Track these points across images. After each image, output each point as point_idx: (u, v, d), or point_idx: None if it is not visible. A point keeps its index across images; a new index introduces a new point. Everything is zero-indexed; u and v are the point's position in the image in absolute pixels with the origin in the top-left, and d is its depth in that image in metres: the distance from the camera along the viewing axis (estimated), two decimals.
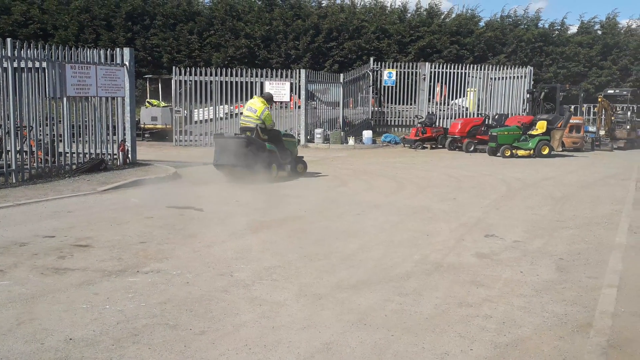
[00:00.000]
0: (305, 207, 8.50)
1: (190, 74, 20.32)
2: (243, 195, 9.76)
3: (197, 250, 6.01)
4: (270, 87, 20.53)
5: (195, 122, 21.11)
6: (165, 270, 5.28)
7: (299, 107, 20.98)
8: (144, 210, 8.24)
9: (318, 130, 21.07)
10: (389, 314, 4.28)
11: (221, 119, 21.41)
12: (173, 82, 20.45)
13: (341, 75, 22.88)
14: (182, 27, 30.43)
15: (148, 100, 26.19)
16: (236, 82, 20.55)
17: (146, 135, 22.87)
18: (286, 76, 20.55)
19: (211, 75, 20.39)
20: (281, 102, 21.07)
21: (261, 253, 5.98)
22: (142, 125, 23.12)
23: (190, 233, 6.82)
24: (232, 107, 21.49)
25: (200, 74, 20.32)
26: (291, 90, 20.93)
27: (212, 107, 21.05)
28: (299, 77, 20.58)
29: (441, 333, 3.96)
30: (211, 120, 21.20)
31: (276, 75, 20.59)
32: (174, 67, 20.68)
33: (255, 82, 20.54)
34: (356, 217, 7.86)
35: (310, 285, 4.94)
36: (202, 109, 21.28)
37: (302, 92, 20.59)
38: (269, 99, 11.53)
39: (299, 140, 19.10)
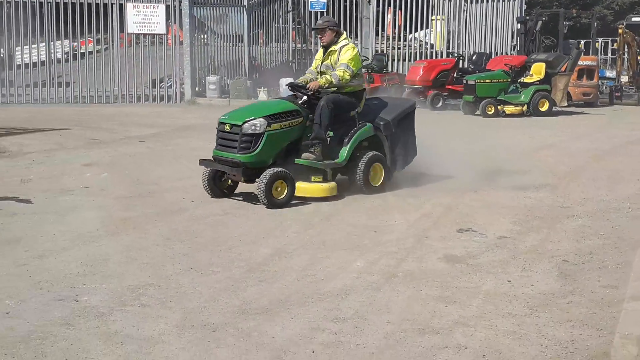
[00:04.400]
0: (193, 195, 8.43)
1: None
2: (97, 178, 9.54)
3: (23, 264, 5.84)
4: (136, 11, 20.10)
5: (19, 66, 20.41)
6: None
7: (181, 42, 20.68)
8: None
9: (211, 79, 20.89)
10: (319, 349, 4.31)
11: (59, 61, 20.81)
12: None
13: None
14: None
15: None
16: (81, 4, 19.97)
17: None
18: None
19: None
20: (153, 36, 20.68)
21: (124, 265, 5.88)
22: None
23: (12, 237, 6.62)
24: (76, 44, 20.94)
25: None
26: (168, 18, 20.59)
27: (44, 45, 20.37)
28: None
29: None
30: (43, 63, 20.55)
31: None
32: None
33: (111, 3, 20.05)
34: (271, 206, 7.89)
35: (200, 311, 4.89)
36: (28, 47, 20.56)
37: (186, 21, 20.30)
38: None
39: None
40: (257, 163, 7.99)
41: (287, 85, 9.19)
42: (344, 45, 8.71)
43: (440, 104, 19.64)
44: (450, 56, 22.48)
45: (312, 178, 8.22)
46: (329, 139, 8.49)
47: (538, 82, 18.22)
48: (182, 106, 19.66)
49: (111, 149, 12.12)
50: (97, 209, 7.80)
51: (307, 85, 8.54)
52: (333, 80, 8.46)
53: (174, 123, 15.88)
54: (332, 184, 8.35)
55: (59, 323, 4.62)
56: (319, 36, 9.03)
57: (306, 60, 25.27)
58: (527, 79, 18.37)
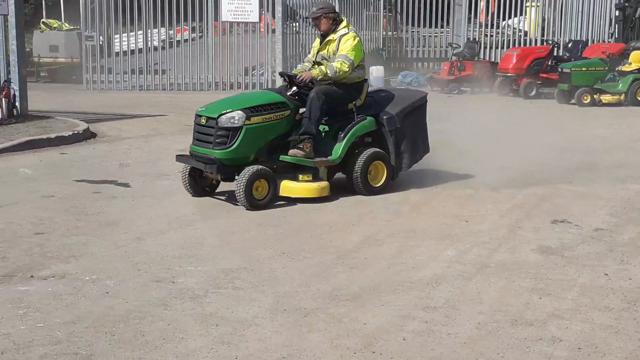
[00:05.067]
0: None
1: None
2: None
3: (122, 246, 6.02)
4: (230, 0, 20.33)
5: (117, 53, 20.95)
6: (74, 275, 5.26)
7: (274, 31, 20.83)
8: (41, 185, 8.21)
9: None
10: (410, 337, 4.31)
11: (155, 49, 21.25)
12: None
13: None
14: None
15: (44, 20, 25.90)
16: None
17: (42, 74, 22.70)
18: None
19: None
20: (246, 24, 20.90)
21: (218, 249, 6.00)
22: (37, 59, 22.90)
23: (111, 220, 6.82)
24: (171, 32, 21.35)
25: None
26: (261, 7, 20.76)
27: (141, 32, 20.85)
28: None
29: None
30: (140, 51, 21.02)
31: None
32: None
33: None
34: (360, 194, 7.89)
35: (292, 295, 4.95)
36: (126, 35, 21.09)
37: (278, 9, 20.43)
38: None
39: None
40: (235, 160, 7.35)
41: (279, 73, 8.53)
42: (344, 34, 7.87)
43: (533, 92, 19.26)
44: (545, 44, 22.05)
45: (300, 177, 7.54)
46: (323, 134, 7.91)
47: (637, 71, 17.66)
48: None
49: None
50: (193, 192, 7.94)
51: (298, 76, 7.77)
52: (329, 72, 7.69)
53: None
54: (323, 183, 7.65)
55: (157, 304, 4.75)
56: (315, 25, 8.22)
57: (397, 48, 25.17)
58: (625, 68, 17.81)
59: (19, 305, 4.68)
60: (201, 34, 21.62)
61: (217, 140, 7.29)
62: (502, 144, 10.92)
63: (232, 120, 7.30)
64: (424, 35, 25.24)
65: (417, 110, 8.47)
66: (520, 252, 6.02)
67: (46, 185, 8.21)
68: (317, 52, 8.09)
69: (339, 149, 7.78)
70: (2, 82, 12.65)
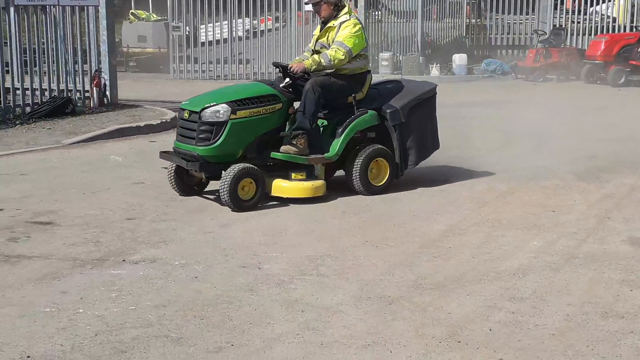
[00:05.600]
0: None
1: None
2: None
3: (209, 231, 6.13)
4: None
5: (202, 44, 21.26)
6: (164, 260, 5.39)
7: None
8: (131, 172, 8.41)
9: (384, 55, 20.91)
10: (496, 327, 4.26)
11: (240, 39, 21.47)
12: None
13: None
14: None
15: (133, 11, 26.43)
16: None
17: (131, 64, 23.18)
18: None
19: None
20: None
21: (302, 236, 6.05)
22: (126, 49, 23.39)
23: (198, 206, 6.94)
24: (255, 22, 21.53)
25: None
26: None
27: (226, 22, 21.09)
28: None
29: (577, 357, 3.92)
30: (225, 41, 21.25)
31: None
32: None
33: None
34: (443, 183, 7.88)
35: (376, 283, 4.95)
36: (211, 25, 21.37)
37: None
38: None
39: None
40: (219, 157, 6.84)
41: (272, 63, 8.03)
42: (345, 21, 7.24)
43: (622, 80, 18.74)
44: (635, 30, 21.42)
45: (293, 175, 7.00)
46: (321, 129, 7.38)
47: None
48: None
49: None
50: None
51: (289, 66, 7.22)
52: (322, 61, 7.10)
53: None
54: (318, 182, 7.09)
55: (243, 289, 4.82)
56: (315, 11, 7.62)
57: (480, 35, 24.83)
58: None
59: (112, 289, 4.81)
60: (284, 24, 21.75)
61: (200, 136, 6.81)
62: (590, 133, 10.69)
63: (216, 114, 6.80)
64: (508, 23, 24.84)
65: (425, 103, 7.84)
66: (610, 243, 5.89)
67: (136, 172, 8.41)
68: (317, 41, 7.52)
69: (336, 145, 7.22)
70: (93, 71, 12.98)
